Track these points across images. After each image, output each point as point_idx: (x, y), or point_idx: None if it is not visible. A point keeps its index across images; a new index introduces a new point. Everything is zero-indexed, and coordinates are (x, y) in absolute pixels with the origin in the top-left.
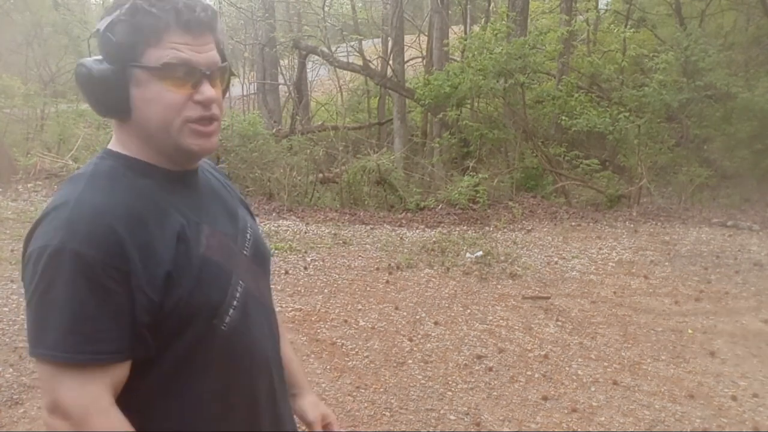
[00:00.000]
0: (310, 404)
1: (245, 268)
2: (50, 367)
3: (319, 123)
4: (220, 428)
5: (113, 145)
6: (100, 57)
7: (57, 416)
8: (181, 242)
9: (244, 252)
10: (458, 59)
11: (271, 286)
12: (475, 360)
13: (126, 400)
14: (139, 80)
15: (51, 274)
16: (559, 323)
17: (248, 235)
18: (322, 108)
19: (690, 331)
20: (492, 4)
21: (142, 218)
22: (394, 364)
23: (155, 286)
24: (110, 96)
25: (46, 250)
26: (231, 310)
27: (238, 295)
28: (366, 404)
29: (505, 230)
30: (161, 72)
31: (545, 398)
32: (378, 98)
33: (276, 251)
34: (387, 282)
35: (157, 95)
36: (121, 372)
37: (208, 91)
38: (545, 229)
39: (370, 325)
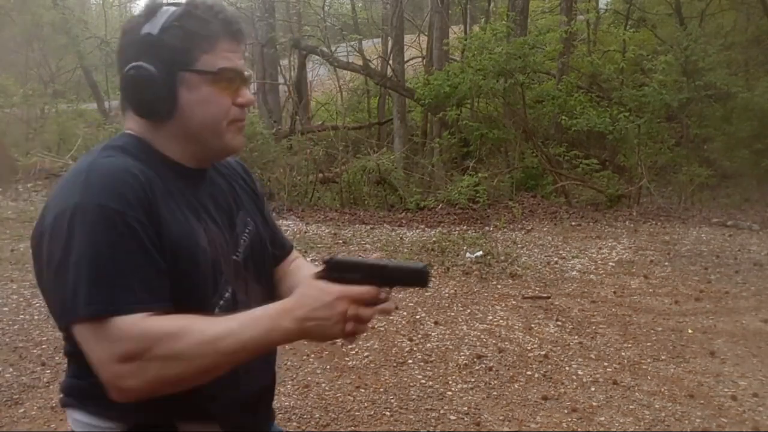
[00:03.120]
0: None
1: (235, 273)
2: (97, 324)
3: (319, 123)
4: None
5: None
6: (146, 59)
7: (125, 363)
8: (184, 229)
9: (234, 257)
10: (458, 59)
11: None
12: (475, 360)
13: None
14: (189, 83)
15: (80, 232)
16: (559, 323)
17: (243, 240)
18: (322, 108)
19: (690, 331)
20: (492, 4)
21: (153, 187)
22: (394, 364)
23: (159, 251)
24: (162, 97)
25: (66, 212)
26: (216, 310)
27: (227, 295)
28: (366, 404)
29: (505, 230)
30: (215, 77)
31: (545, 398)
32: (378, 98)
33: None
34: None
35: (209, 97)
36: None
37: (248, 94)
38: (545, 229)
39: (369, 325)
